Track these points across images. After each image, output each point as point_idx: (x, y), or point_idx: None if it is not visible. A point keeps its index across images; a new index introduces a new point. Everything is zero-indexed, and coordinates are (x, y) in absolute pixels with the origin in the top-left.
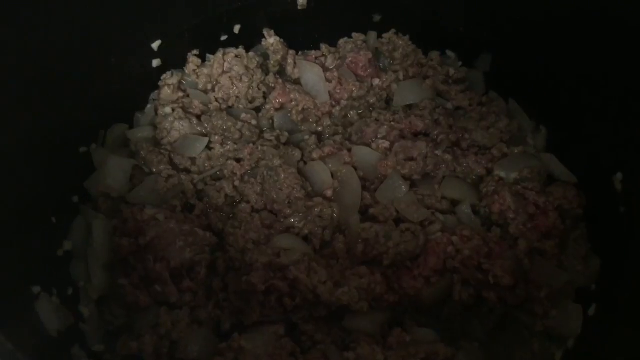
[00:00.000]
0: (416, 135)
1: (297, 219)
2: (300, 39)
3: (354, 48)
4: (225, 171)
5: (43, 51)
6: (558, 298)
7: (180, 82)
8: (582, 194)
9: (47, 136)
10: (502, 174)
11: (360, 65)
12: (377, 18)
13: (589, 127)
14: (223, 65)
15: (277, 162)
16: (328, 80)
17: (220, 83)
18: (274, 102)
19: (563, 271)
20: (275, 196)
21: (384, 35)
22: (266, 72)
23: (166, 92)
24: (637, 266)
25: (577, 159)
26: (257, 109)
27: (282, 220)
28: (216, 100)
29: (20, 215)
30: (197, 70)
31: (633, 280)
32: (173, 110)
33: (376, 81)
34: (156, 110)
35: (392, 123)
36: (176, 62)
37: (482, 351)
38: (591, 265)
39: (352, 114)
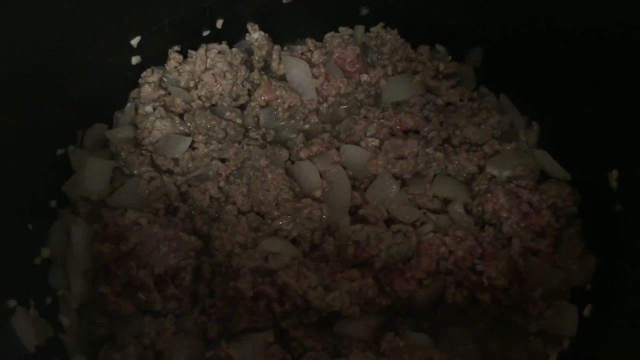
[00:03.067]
0: (406, 132)
1: (285, 221)
2: (286, 33)
3: (341, 43)
4: (210, 172)
5: (16, 49)
6: (553, 298)
7: (161, 80)
8: (576, 191)
9: (21, 138)
10: (495, 172)
11: (348, 60)
12: (364, 11)
13: (582, 122)
14: (205, 62)
15: (263, 162)
16: (315, 76)
17: (203, 80)
18: (259, 99)
19: (557, 271)
20: (262, 197)
21: (372, 29)
22: (250, 68)
23: (147, 90)
24: (633, 266)
25: (571, 155)
26: (242, 107)
27: (269, 222)
28: (199, 98)
29: None
30: (179, 67)
31: (629, 280)
32: (154, 109)
33: (364, 77)
34: (136, 109)
35: (382, 120)
36: (156, 58)
37: (476, 354)
38: (586, 264)
39: (340, 110)
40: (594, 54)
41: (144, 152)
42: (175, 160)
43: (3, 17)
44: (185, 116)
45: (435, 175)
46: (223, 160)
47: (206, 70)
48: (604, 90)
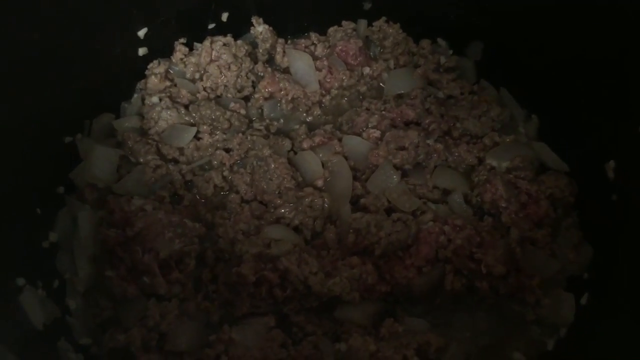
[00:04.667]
0: (407, 124)
1: (287, 210)
2: (290, 27)
3: (344, 36)
4: (214, 161)
5: (25, 39)
6: (550, 287)
7: (167, 71)
8: (574, 182)
9: (31, 126)
10: (494, 163)
11: (351, 53)
12: (367, 6)
13: (581, 115)
14: (211, 54)
15: (266, 152)
16: (318, 69)
17: (208, 72)
18: (263, 91)
19: (555, 260)
20: (265, 186)
21: (374, 23)
22: (255, 60)
23: (153, 81)
24: (630, 254)
25: (569, 147)
26: (246, 98)
27: (272, 210)
28: (204, 89)
29: (4, 206)
30: (185, 59)
31: (625, 268)
32: (160, 99)
33: (366, 70)
34: (143, 100)
35: (383, 112)
36: (163, 50)
37: (474, 341)
38: (583, 253)
39: (342, 103)
40: (592, 47)
41: (150, 141)
42: (181, 150)
43: (12, 9)
44: (191, 107)
45: (435, 166)
46: (227, 150)
47: (211, 62)
48: (601, 83)
